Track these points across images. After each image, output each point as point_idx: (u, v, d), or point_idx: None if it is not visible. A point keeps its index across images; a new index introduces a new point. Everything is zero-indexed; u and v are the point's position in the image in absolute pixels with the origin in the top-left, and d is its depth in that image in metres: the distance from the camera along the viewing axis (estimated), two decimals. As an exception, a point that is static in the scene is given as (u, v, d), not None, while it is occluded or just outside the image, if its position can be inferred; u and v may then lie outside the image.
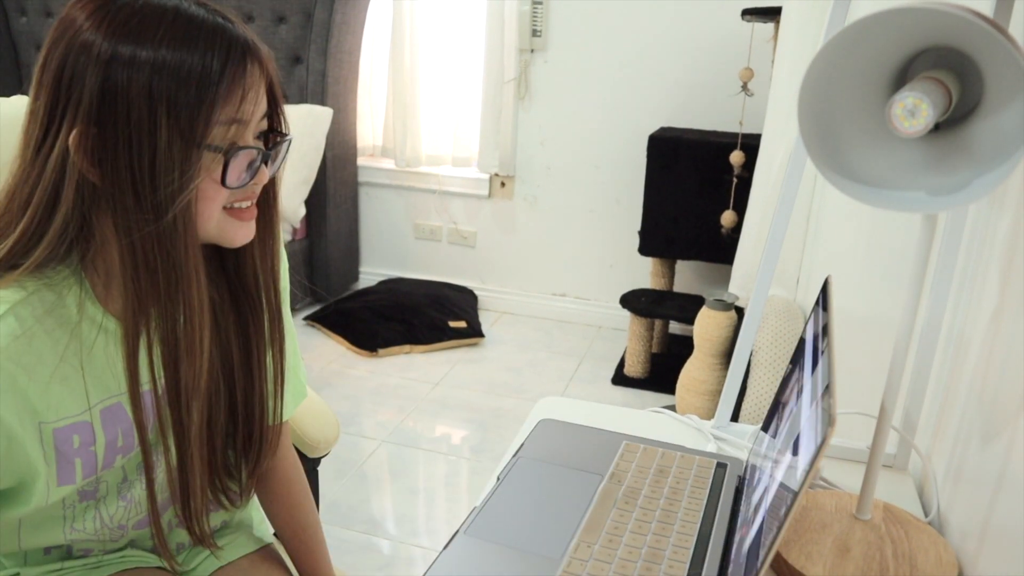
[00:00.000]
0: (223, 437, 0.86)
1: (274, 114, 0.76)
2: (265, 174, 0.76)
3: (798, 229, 2.09)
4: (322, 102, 3.04)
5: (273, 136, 0.77)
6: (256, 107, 0.72)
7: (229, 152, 0.70)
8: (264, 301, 0.85)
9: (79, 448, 0.75)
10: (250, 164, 0.73)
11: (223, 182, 0.71)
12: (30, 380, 0.70)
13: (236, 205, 0.75)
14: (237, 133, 0.71)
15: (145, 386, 0.75)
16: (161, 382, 0.75)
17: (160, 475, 0.82)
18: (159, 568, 0.89)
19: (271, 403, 0.88)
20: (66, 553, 0.84)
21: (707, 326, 2.32)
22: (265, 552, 1.02)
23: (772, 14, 2.29)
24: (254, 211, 0.78)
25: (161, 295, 0.71)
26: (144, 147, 0.67)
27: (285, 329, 0.90)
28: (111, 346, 0.76)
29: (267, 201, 0.80)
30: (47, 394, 0.72)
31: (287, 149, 0.79)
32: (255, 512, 1.06)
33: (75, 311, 0.73)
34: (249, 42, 0.71)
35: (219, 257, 0.82)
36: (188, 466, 0.80)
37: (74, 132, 0.67)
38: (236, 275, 0.83)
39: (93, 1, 0.68)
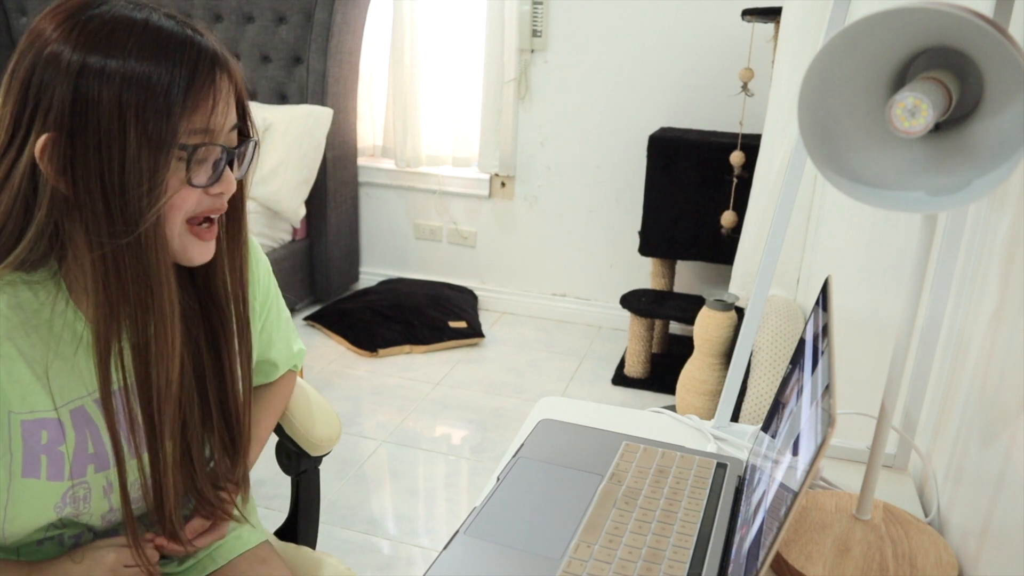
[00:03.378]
0: (199, 442, 0.86)
1: (243, 124, 0.77)
2: (232, 180, 0.76)
3: (798, 229, 2.09)
4: (322, 102, 3.04)
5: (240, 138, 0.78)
6: (226, 118, 0.74)
7: (194, 150, 0.71)
8: (233, 311, 0.85)
9: (47, 445, 0.75)
10: (216, 163, 0.74)
11: (189, 181, 0.71)
12: (2, 367, 0.71)
13: (201, 221, 0.75)
14: (205, 142, 0.72)
15: (115, 385, 0.76)
16: (132, 384, 0.75)
17: (133, 476, 0.82)
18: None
19: (244, 409, 0.89)
20: (58, 544, 0.84)
21: (707, 326, 2.32)
22: (262, 551, 1.01)
23: (772, 14, 2.29)
24: (215, 231, 0.78)
25: (132, 303, 0.71)
26: (114, 156, 0.67)
27: (278, 307, 0.99)
28: (83, 349, 0.76)
29: (235, 213, 0.81)
30: (18, 384, 0.72)
31: (253, 152, 0.80)
32: (251, 512, 1.06)
33: (48, 311, 0.74)
34: (218, 53, 0.72)
35: (188, 268, 0.83)
36: (161, 467, 0.80)
37: (41, 139, 0.67)
38: (205, 286, 0.84)
39: (62, 12, 0.68)
